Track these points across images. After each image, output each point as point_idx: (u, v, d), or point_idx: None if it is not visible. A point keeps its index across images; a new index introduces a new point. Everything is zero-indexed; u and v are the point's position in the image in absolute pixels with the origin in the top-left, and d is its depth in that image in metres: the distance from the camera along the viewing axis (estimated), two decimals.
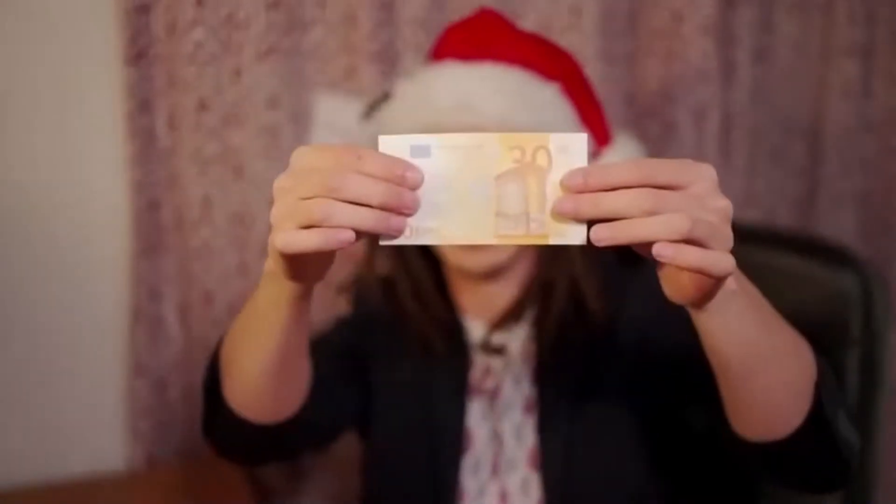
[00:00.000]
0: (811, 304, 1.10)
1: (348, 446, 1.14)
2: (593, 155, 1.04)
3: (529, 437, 0.98)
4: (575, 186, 0.56)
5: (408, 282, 1.04)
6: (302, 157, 0.59)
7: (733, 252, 0.57)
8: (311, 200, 0.56)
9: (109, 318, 1.34)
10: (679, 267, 0.55)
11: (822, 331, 1.09)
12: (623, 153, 1.06)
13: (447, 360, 1.02)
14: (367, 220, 0.56)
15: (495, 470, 0.98)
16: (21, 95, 1.26)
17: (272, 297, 0.70)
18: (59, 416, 1.34)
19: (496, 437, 0.99)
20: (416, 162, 0.58)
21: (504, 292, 1.03)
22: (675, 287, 0.61)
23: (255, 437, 0.86)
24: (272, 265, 0.65)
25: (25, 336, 1.31)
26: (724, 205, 0.56)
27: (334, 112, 1.36)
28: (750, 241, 1.11)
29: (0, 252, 1.28)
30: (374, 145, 0.59)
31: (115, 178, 1.30)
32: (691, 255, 0.54)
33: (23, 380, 1.32)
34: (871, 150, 1.59)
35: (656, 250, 0.54)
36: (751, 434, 0.75)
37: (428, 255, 1.04)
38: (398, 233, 0.58)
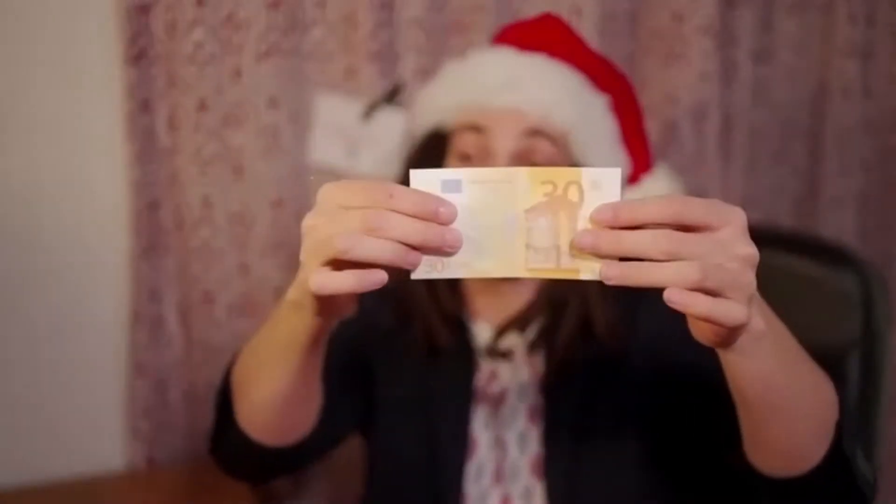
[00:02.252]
0: (811, 304, 1.10)
1: (350, 450, 1.14)
2: (631, 182, 1.04)
3: (533, 446, 0.97)
4: (604, 221, 0.55)
5: (418, 283, 1.02)
6: (330, 195, 0.57)
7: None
8: (338, 234, 0.55)
9: (109, 319, 1.34)
10: (688, 314, 0.55)
11: (821, 331, 1.09)
12: (660, 184, 1.05)
13: (452, 364, 1.01)
14: (392, 253, 0.55)
15: (498, 477, 0.97)
16: (21, 95, 1.26)
17: (293, 328, 0.69)
18: (59, 417, 1.34)
19: (499, 444, 0.98)
20: (448, 197, 0.57)
21: (517, 298, 1.01)
22: (696, 329, 0.61)
23: (265, 457, 0.86)
24: (298, 298, 0.64)
25: (25, 336, 1.31)
26: (748, 252, 0.55)
27: (334, 112, 1.36)
28: None
29: (0, 252, 1.28)
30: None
31: (115, 178, 1.30)
32: (701, 304, 0.54)
33: (23, 380, 1.32)
34: (871, 150, 1.59)
35: (667, 296, 0.53)
36: (770, 469, 0.74)
37: None
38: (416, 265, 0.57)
